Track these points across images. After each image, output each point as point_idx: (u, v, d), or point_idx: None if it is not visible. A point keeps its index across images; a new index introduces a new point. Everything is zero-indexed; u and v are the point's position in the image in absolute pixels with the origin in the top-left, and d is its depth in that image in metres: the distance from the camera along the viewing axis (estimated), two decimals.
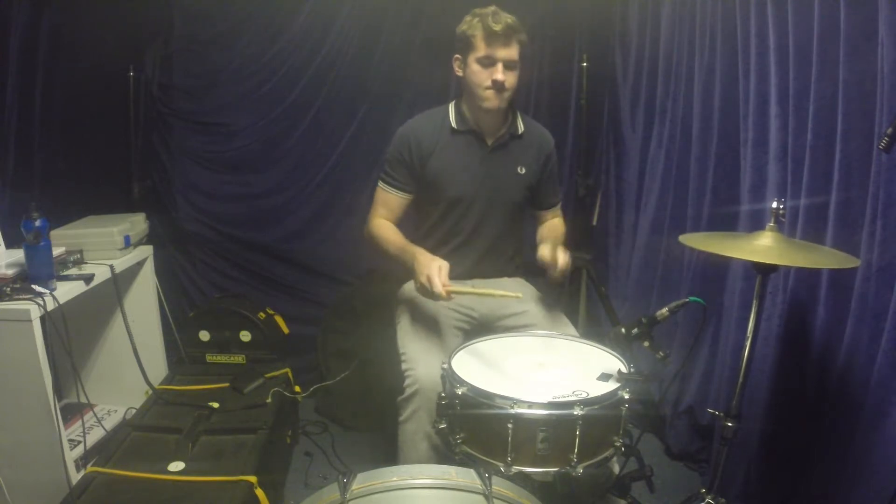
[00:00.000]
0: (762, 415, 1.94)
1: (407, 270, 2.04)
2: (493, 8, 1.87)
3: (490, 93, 1.88)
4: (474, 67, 1.88)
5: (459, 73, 1.95)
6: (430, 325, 1.89)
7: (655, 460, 2.42)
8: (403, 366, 1.78)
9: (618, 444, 1.45)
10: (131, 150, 2.81)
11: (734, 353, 2.07)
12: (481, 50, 1.85)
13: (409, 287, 2.09)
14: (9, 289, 1.78)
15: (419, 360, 1.74)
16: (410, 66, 2.81)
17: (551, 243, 1.86)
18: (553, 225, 2.18)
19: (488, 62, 1.86)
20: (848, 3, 1.55)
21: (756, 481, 1.99)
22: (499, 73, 1.86)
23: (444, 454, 1.59)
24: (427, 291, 1.73)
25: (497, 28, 1.81)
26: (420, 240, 2.10)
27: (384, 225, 2.01)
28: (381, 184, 2.03)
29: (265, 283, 3.00)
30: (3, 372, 1.77)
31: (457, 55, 1.94)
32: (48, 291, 1.81)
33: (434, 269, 1.72)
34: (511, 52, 1.86)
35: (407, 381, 1.73)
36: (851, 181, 1.61)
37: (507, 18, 1.85)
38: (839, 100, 1.60)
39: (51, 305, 1.79)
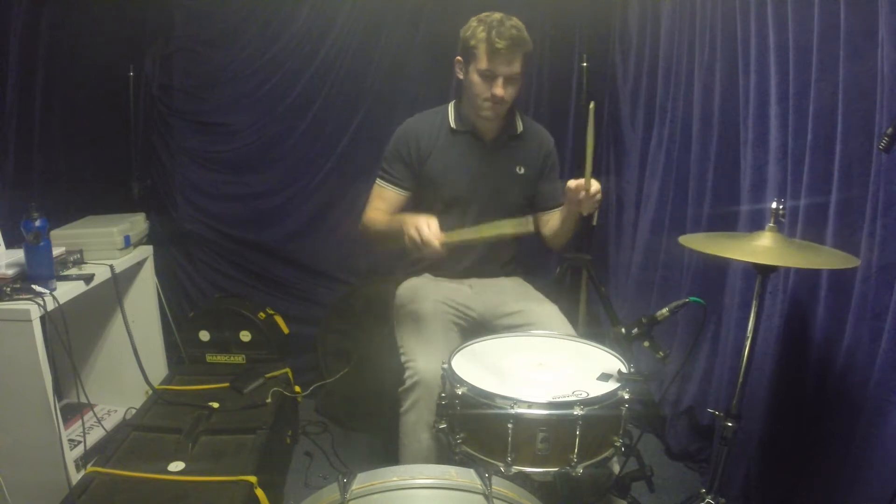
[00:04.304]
0: (762, 415, 1.94)
1: (405, 272, 2.03)
2: (499, 16, 1.82)
3: (488, 104, 1.88)
4: (474, 78, 1.86)
5: (460, 76, 1.93)
6: (427, 319, 1.89)
7: (655, 460, 2.42)
8: (403, 358, 1.78)
9: (618, 444, 1.45)
10: (131, 150, 2.81)
11: (734, 353, 2.07)
12: (483, 63, 1.82)
13: (407, 283, 2.09)
14: (9, 289, 1.77)
15: (418, 351, 1.74)
16: (410, 65, 2.81)
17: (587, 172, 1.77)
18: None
19: (489, 75, 1.83)
20: (848, 3, 1.55)
21: (756, 481, 1.99)
22: (499, 89, 1.83)
23: (445, 445, 1.58)
24: (417, 244, 1.65)
25: (500, 45, 1.77)
26: None
27: (377, 214, 1.99)
28: (378, 181, 2.03)
29: (265, 283, 3.00)
30: (3, 372, 1.77)
31: (458, 58, 1.92)
32: (48, 291, 1.81)
33: (422, 220, 1.65)
34: (513, 67, 1.83)
35: (407, 373, 1.73)
36: (851, 181, 1.61)
37: (513, 30, 1.79)
38: (839, 100, 1.60)
39: (51, 305, 1.79)
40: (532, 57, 1.92)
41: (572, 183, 1.77)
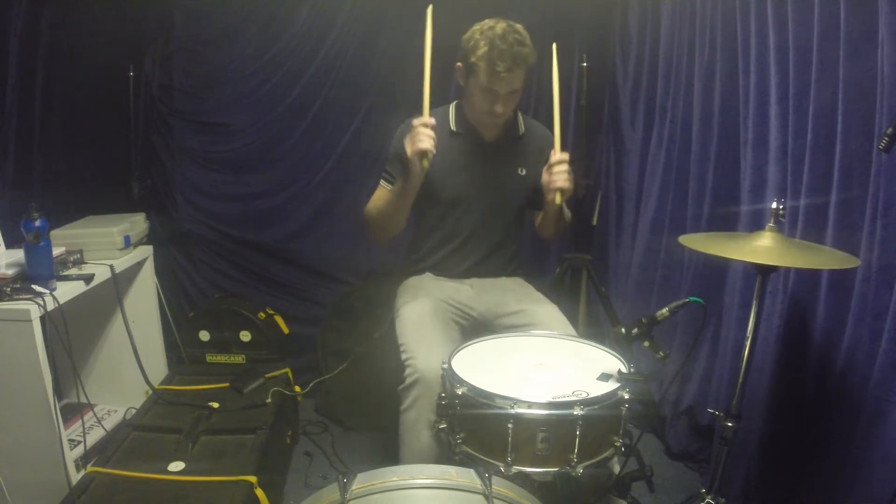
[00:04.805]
0: (762, 415, 1.94)
1: (406, 271, 2.03)
2: (501, 29, 1.78)
3: (487, 117, 1.88)
4: (474, 91, 1.84)
5: (461, 82, 1.92)
6: (428, 317, 1.89)
7: (655, 460, 2.42)
8: (403, 356, 1.78)
9: (618, 444, 1.45)
10: (131, 150, 2.81)
11: (734, 353, 2.07)
12: (483, 80, 1.79)
13: (409, 282, 2.09)
14: (9, 289, 1.77)
15: (418, 349, 1.74)
16: (410, 66, 2.80)
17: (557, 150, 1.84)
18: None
19: (490, 92, 1.81)
20: (848, 4, 1.55)
21: (756, 481, 1.99)
22: (498, 106, 1.83)
23: (445, 443, 1.58)
24: (416, 136, 1.70)
25: (501, 68, 1.75)
26: (420, 241, 2.10)
27: None
28: (382, 182, 2.03)
29: (265, 283, 3.00)
30: (3, 372, 1.77)
31: (459, 64, 1.89)
32: (48, 291, 1.81)
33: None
34: (514, 84, 1.81)
35: (407, 371, 1.73)
36: (851, 181, 1.61)
37: (515, 47, 1.75)
38: (839, 100, 1.60)
39: (51, 305, 1.79)
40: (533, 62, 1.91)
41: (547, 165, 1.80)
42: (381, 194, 1.98)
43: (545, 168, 1.84)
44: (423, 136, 1.70)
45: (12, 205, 2.12)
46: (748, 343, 1.61)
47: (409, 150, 1.73)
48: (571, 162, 1.82)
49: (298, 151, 2.90)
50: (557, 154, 1.81)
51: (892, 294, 1.47)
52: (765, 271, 1.56)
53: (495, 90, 1.81)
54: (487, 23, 1.83)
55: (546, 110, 2.88)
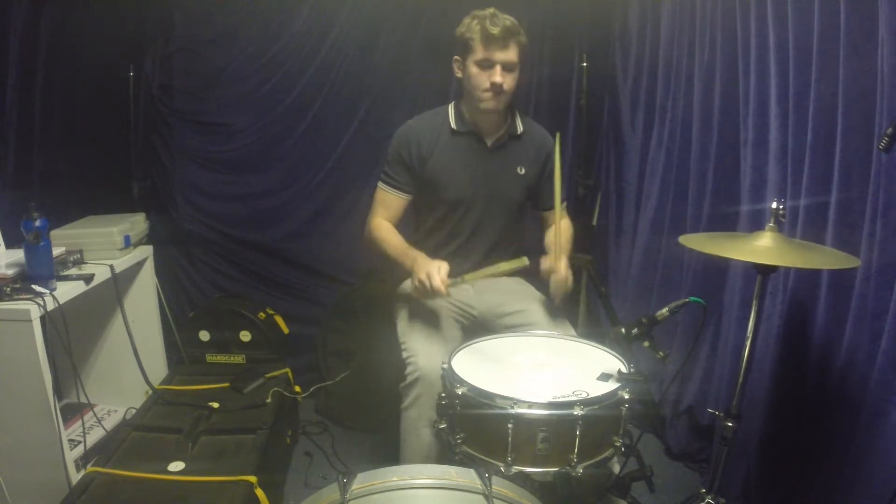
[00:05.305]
0: (762, 415, 1.94)
1: (406, 272, 2.05)
2: (491, 10, 1.86)
3: (488, 95, 1.88)
4: (472, 70, 1.88)
5: (459, 74, 1.95)
6: (429, 316, 1.91)
7: (655, 460, 2.42)
8: (404, 354, 1.79)
9: (618, 444, 1.45)
10: (131, 150, 2.81)
11: (734, 353, 2.07)
12: (479, 53, 1.85)
13: (409, 283, 2.10)
14: (9, 289, 1.77)
15: (420, 347, 1.76)
16: (410, 65, 2.81)
17: (557, 256, 1.89)
18: (561, 229, 2.16)
19: (486, 65, 1.85)
20: (848, 3, 1.55)
21: (756, 481, 1.99)
22: (497, 76, 1.85)
23: (446, 441, 1.59)
24: (425, 290, 1.74)
25: (494, 31, 1.81)
26: (420, 241, 2.10)
27: (384, 226, 2.02)
28: (380, 184, 2.04)
29: (265, 283, 3.00)
30: (3, 372, 1.77)
31: (456, 57, 1.94)
32: (48, 291, 1.81)
33: (434, 266, 1.74)
34: (509, 54, 1.85)
35: (408, 369, 1.74)
36: (851, 181, 1.61)
37: (506, 20, 1.84)
38: (839, 100, 1.60)
39: (51, 305, 1.79)
40: (529, 52, 1.94)
41: (545, 264, 1.85)
42: (388, 233, 2.00)
43: (545, 269, 1.87)
44: (436, 291, 1.73)
45: (12, 205, 2.12)
46: (748, 343, 1.61)
47: (420, 286, 1.76)
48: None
49: (298, 151, 2.90)
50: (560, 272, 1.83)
51: (892, 294, 1.47)
52: (765, 271, 1.56)
53: (493, 59, 1.84)
54: (477, 10, 1.89)
55: (546, 110, 2.89)
